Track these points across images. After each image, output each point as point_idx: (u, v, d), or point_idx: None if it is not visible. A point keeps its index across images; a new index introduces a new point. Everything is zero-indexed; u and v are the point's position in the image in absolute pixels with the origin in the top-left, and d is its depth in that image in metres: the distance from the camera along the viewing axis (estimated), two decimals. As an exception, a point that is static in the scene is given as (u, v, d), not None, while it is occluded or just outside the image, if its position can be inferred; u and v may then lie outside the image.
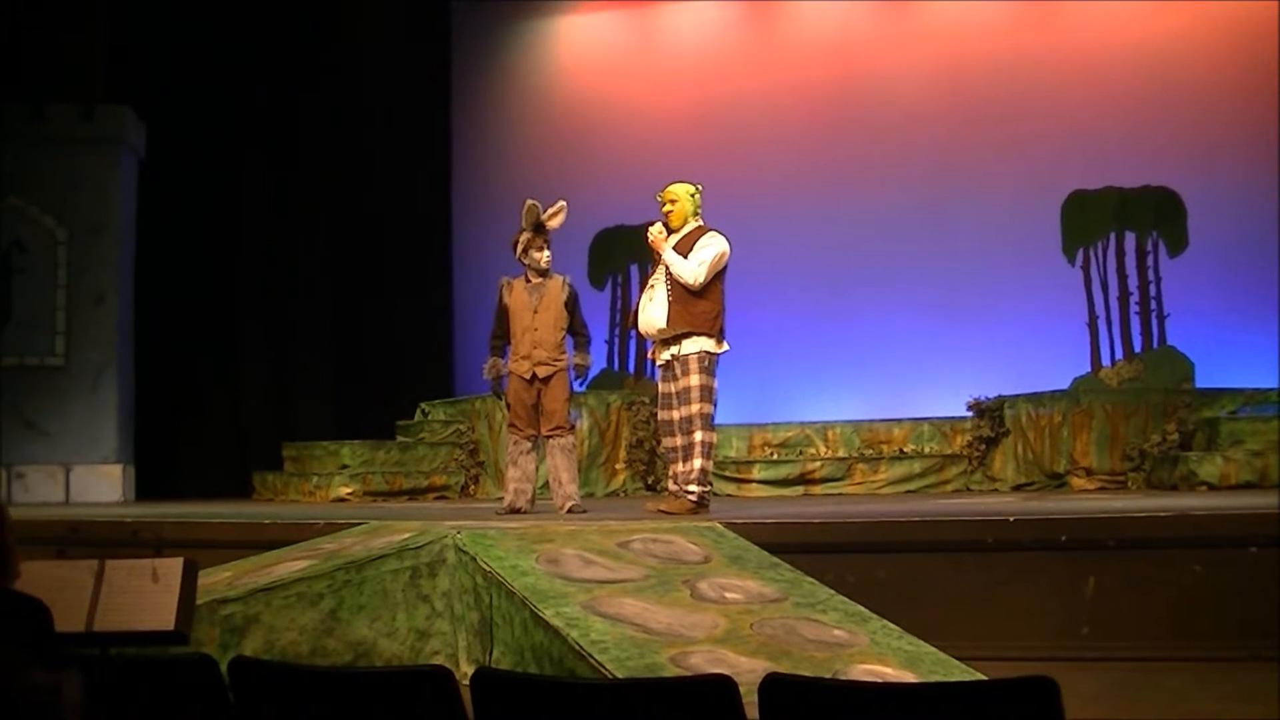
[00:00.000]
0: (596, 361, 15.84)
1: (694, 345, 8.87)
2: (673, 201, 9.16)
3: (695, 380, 8.82)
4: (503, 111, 17.80)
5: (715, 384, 8.95)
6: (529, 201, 9.62)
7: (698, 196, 9.21)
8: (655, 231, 9.13)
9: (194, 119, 16.07)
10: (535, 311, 9.54)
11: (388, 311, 17.09)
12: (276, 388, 16.97)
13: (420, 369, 16.88)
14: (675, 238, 9.10)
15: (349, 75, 17.31)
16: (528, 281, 9.66)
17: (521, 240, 9.63)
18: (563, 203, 9.63)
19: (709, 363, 8.89)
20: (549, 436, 9.54)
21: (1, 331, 14.58)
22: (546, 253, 9.62)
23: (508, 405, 9.73)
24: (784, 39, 16.72)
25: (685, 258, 8.94)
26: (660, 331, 8.96)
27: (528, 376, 9.50)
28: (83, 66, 15.21)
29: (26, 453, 14.51)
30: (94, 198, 14.91)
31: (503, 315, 9.71)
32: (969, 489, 12.97)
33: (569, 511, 9.25)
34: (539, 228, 9.57)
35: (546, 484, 10.03)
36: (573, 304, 9.68)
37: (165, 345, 15.87)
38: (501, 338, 9.72)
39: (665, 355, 9.03)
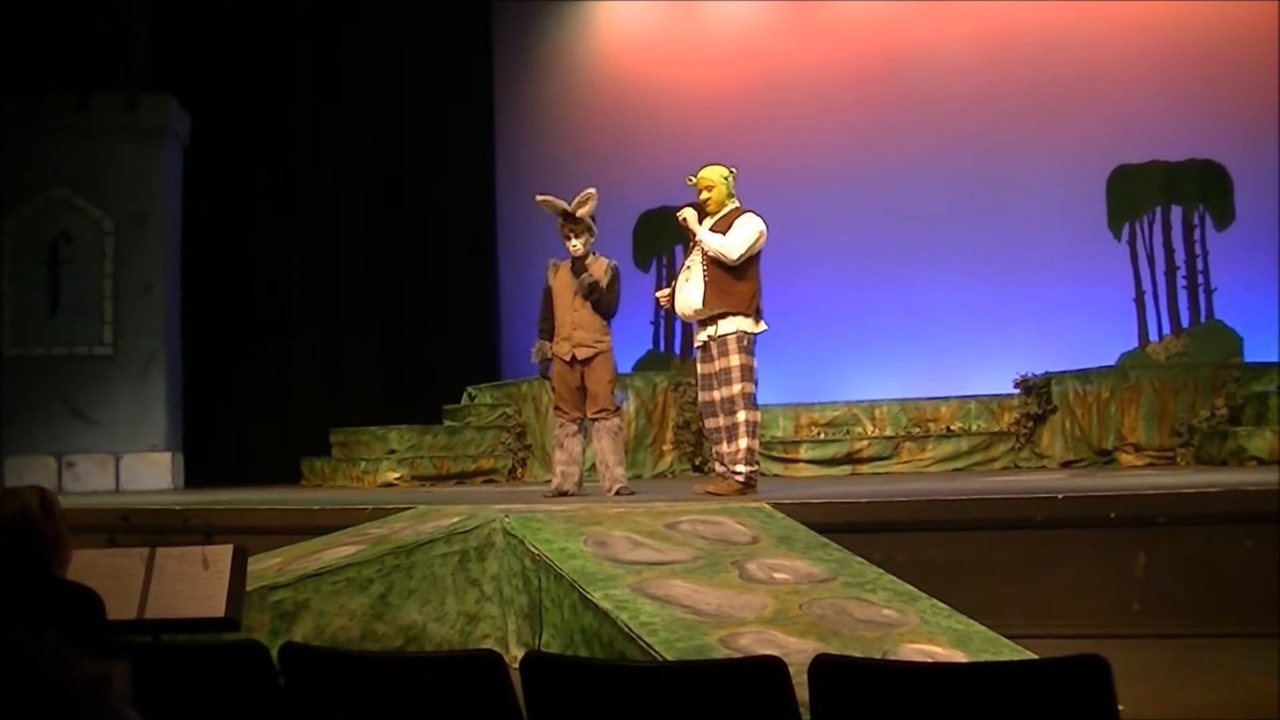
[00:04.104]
0: (642, 343, 15.90)
1: (731, 325, 8.83)
2: (709, 188, 9.11)
3: (735, 360, 8.79)
4: (545, 95, 17.82)
5: (755, 363, 8.92)
6: (539, 197, 9.61)
7: (732, 179, 9.16)
8: (686, 213, 9.09)
9: (238, 106, 16.12)
10: (576, 293, 9.53)
11: (434, 296, 17.14)
12: (323, 373, 17.02)
13: (466, 353, 16.91)
14: (711, 220, 9.08)
15: (392, 61, 17.33)
16: (573, 264, 9.65)
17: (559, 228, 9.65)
18: (591, 190, 9.56)
19: (747, 342, 8.85)
20: (594, 419, 9.53)
21: (50, 322, 14.68)
22: (574, 241, 9.55)
23: (553, 388, 9.74)
24: (826, 14, 16.67)
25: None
26: (696, 312, 8.95)
27: (568, 359, 9.49)
28: (126, 56, 15.28)
29: (76, 442, 14.63)
30: (139, 187, 14.99)
31: (548, 298, 9.70)
32: (1017, 466, 12.93)
33: (616, 494, 9.25)
34: (567, 216, 9.54)
35: (594, 466, 10.03)
36: (611, 279, 9.62)
37: (213, 333, 15.95)
38: (548, 320, 9.69)
39: (703, 336, 9.01)
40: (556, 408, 9.71)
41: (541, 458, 13.77)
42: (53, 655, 3.57)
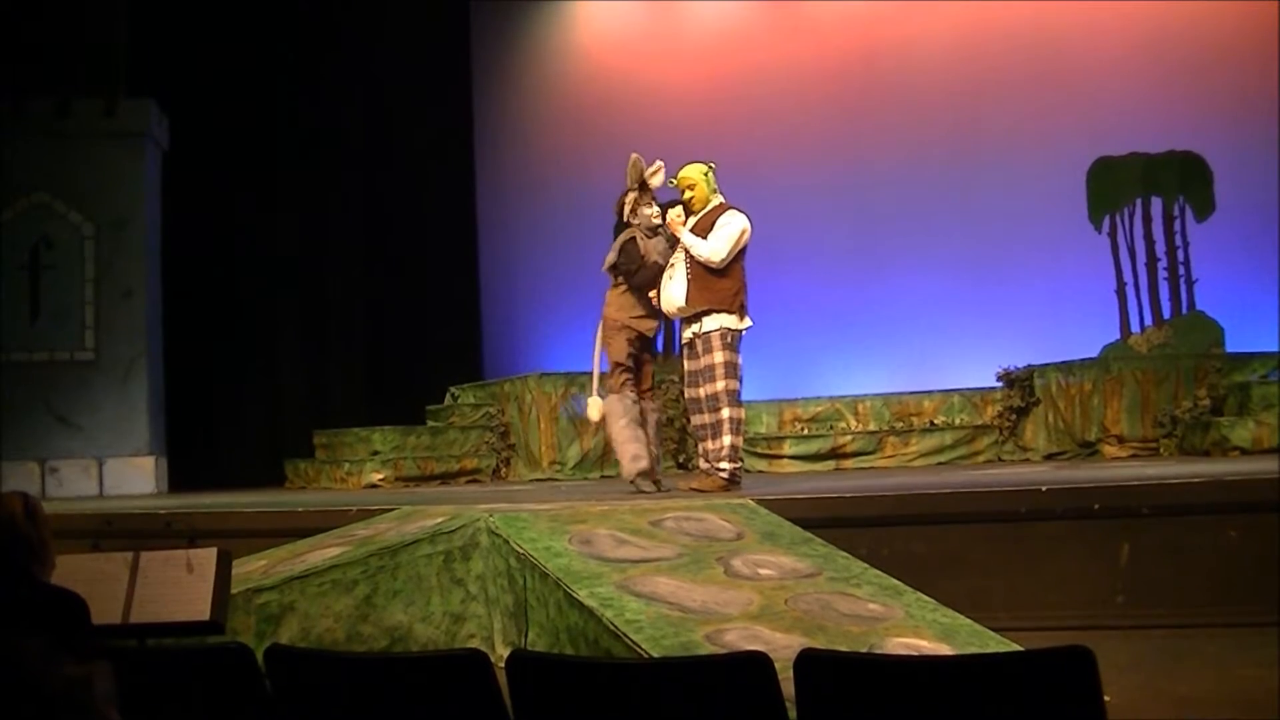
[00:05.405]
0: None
1: (714, 322, 8.84)
2: (690, 186, 9.10)
3: (718, 357, 8.80)
4: (524, 93, 17.81)
5: (739, 360, 8.92)
6: (634, 155, 9.43)
7: (712, 175, 9.16)
8: (674, 215, 9.07)
9: (217, 109, 16.09)
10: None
11: (415, 296, 17.13)
12: (306, 376, 17.02)
13: (449, 353, 16.89)
14: (694, 219, 9.07)
15: (371, 61, 17.33)
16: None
17: (629, 201, 9.40)
18: (660, 162, 9.46)
19: (731, 339, 8.85)
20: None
21: (31, 327, 14.64)
22: (656, 208, 9.43)
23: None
24: (805, 11, 16.69)
25: (705, 237, 8.91)
26: (680, 310, 8.96)
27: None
28: (106, 60, 15.24)
29: (59, 447, 14.59)
30: (119, 191, 14.95)
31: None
32: (1000, 459, 12.95)
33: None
34: (644, 185, 9.40)
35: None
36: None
37: (195, 336, 15.93)
38: None
39: (688, 333, 9.02)
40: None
41: (525, 457, 13.76)
42: (36, 659, 3.56)
